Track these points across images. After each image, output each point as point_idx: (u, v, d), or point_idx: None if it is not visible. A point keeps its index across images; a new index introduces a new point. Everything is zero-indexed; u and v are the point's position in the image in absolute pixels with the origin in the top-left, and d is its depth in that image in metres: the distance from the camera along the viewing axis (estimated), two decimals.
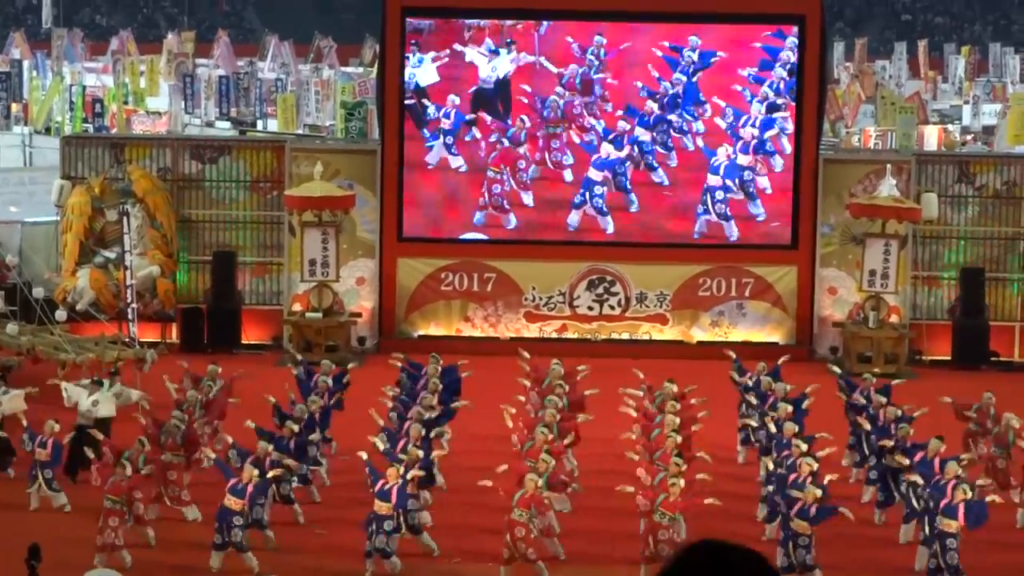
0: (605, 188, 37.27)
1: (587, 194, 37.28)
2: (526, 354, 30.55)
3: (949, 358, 36.95)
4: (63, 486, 25.85)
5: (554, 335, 37.49)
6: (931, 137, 51.98)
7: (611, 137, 37.19)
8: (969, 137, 56.33)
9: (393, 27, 37.40)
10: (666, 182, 37.28)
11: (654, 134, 37.22)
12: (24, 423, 26.44)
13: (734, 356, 30.26)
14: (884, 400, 27.74)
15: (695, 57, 37.15)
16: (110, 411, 27.55)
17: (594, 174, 37.26)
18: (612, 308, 37.63)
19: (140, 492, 24.09)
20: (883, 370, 32.81)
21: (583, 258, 37.53)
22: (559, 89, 37.33)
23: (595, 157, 37.21)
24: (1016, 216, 37.44)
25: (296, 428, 26.06)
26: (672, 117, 37.19)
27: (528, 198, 37.42)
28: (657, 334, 37.57)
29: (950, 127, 56.82)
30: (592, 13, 37.68)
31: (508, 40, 37.48)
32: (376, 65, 44.88)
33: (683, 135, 37.24)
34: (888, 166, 36.92)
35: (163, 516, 25.00)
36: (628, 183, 37.25)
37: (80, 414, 27.27)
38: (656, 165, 37.23)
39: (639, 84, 37.24)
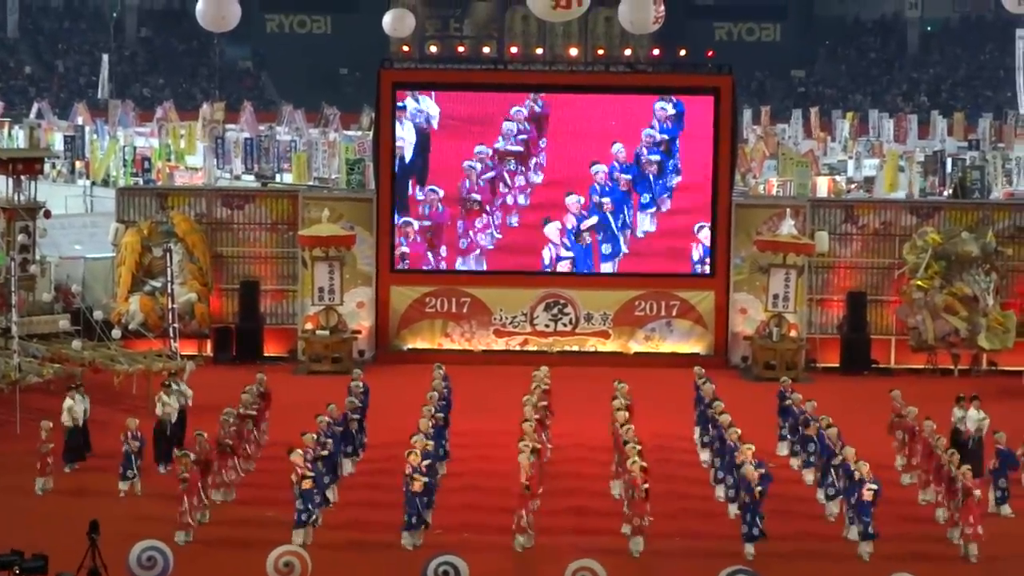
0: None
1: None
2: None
3: (838, 365, 36.92)
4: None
5: (518, 348, 37.38)
6: (822, 186, 52.09)
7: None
8: (853, 186, 56.43)
9: (385, 99, 37.33)
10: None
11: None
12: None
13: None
14: (800, 397, 27.75)
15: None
16: (176, 405, 27.49)
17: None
18: (565, 326, 37.53)
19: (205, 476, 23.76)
20: (784, 375, 32.79)
21: (541, 285, 37.45)
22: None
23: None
24: (891, 249, 37.42)
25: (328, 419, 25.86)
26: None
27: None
28: (601, 346, 37.48)
29: (837, 178, 56.92)
30: (547, 87, 37.67)
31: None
32: (372, 129, 44.79)
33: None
34: (788, 209, 37.00)
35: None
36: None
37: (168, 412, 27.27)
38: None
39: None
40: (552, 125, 37.38)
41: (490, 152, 37.24)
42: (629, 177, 37.15)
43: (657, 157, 37.20)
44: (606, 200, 37.16)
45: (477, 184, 37.20)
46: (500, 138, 37.24)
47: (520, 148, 37.26)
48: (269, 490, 24.81)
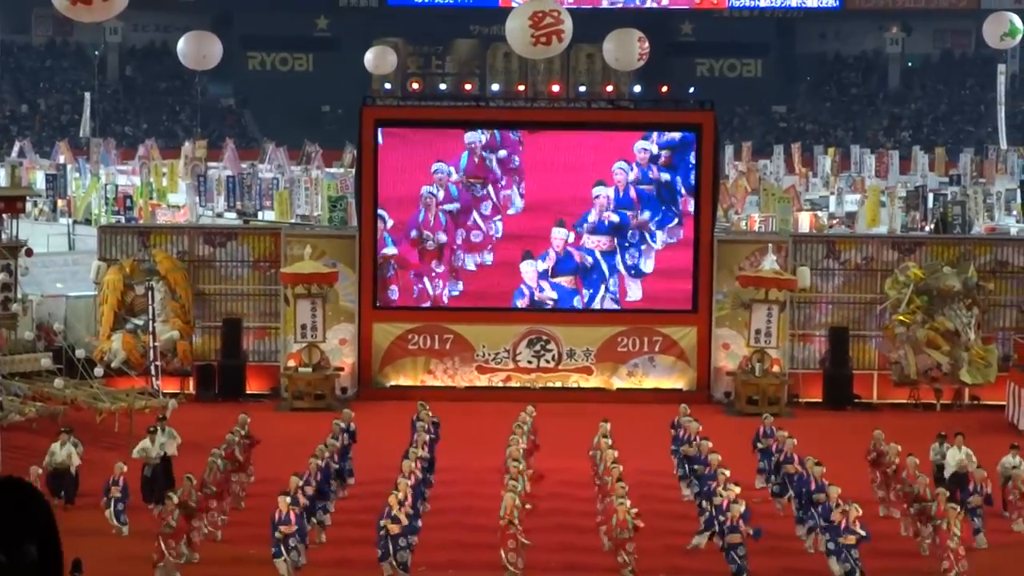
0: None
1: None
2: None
3: (821, 400, 36.95)
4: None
5: (501, 384, 37.39)
6: (804, 221, 52.20)
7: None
8: (835, 221, 56.53)
9: (368, 135, 37.40)
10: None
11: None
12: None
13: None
14: (786, 434, 27.73)
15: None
16: (173, 450, 27.42)
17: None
18: (548, 362, 37.55)
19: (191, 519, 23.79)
20: (767, 411, 32.82)
21: (523, 322, 37.48)
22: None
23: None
24: (873, 285, 37.54)
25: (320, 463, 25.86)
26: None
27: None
28: (584, 382, 37.51)
29: (819, 213, 57.01)
30: (529, 123, 37.75)
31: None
32: (354, 166, 44.86)
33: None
34: (770, 245, 37.07)
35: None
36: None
37: (148, 457, 27.15)
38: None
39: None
40: (530, 145, 37.00)
41: (450, 173, 36.99)
42: (617, 220, 36.95)
43: (667, 176, 36.92)
44: (602, 238, 37.03)
45: (436, 216, 37.09)
46: (465, 153, 36.90)
47: (487, 178, 36.94)
48: (253, 528, 24.73)
